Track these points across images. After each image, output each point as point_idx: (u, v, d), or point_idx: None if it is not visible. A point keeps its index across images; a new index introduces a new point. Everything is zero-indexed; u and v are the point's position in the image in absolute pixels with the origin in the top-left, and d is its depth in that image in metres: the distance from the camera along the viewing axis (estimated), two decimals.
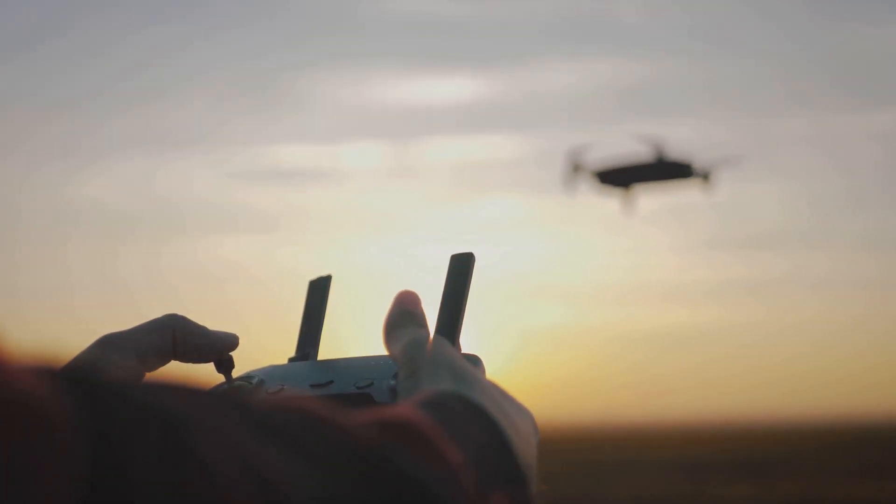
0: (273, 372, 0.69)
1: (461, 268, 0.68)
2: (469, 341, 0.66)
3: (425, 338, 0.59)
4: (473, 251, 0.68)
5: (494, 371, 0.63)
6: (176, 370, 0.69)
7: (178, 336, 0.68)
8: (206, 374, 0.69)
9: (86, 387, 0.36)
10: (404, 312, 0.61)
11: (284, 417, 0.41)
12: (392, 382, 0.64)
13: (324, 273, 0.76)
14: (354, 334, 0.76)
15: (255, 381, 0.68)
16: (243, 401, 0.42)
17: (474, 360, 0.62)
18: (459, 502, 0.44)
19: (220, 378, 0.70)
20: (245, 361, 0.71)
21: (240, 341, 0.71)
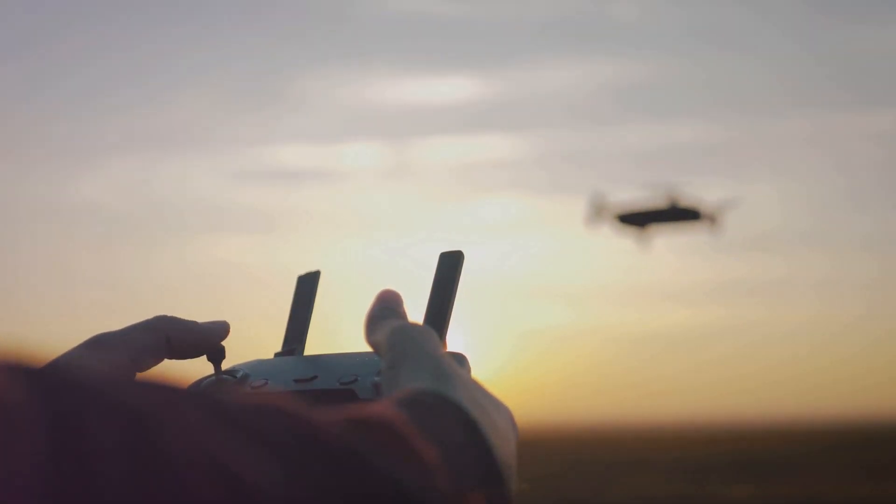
0: (258, 366, 0.69)
1: (450, 266, 0.68)
2: (469, 341, 0.66)
3: (410, 326, 0.58)
4: (472, 252, 0.68)
5: (495, 371, 0.63)
6: (168, 367, 0.69)
7: (173, 336, 0.68)
8: (192, 367, 0.69)
9: (50, 380, 0.36)
10: (386, 309, 0.60)
11: (255, 413, 0.41)
12: (376, 379, 0.64)
13: (312, 269, 0.76)
14: (344, 331, 0.76)
15: (239, 374, 0.68)
16: (213, 396, 0.41)
17: (460, 359, 0.62)
18: (434, 500, 0.44)
19: (205, 371, 0.70)
20: (233, 355, 0.70)
21: (230, 331, 0.71)
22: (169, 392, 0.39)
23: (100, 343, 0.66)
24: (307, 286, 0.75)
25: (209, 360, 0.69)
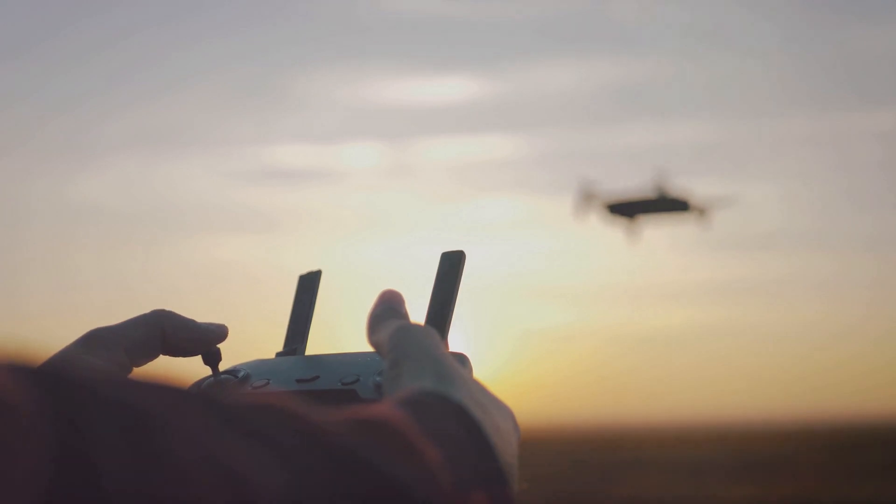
0: (259, 366, 0.69)
1: (451, 266, 0.68)
2: (469, 341, 0.66)
3: (412, 326, 0.58)
4: (471, 251, 0.68)
5: (495, 371, 0.63)
6: (164, 365, 0.69)
7: (168, 331, 0.68)
8: (193, 367, 0.69)
9: (54, 379, 0.36)
10: (388, 309, 0.60)
11: (257, 414, 0.41)
12: (378, 379, 0.64)
13: (314, 268, 0.76)
14: (344, 330, 0.76)
15: (241, 374, 0.68)
16: (215, 396, 0.41)
17: (461, 359, 0.62)
18: (436, 500, 0.44)
19: (206, 371, 0.70)
20: (234, 355, 0.71)
21: (229, 334, 0.71)
22: (171, 392, 0.39)
23: (95, 339, 0.66)
24: (308, 286, 0.75)
25: (205, 362, 0.69)
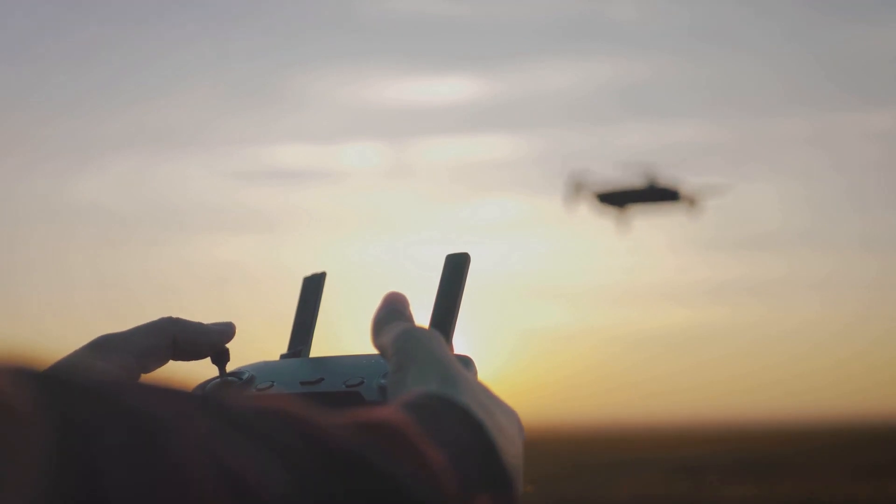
0: (264, 368, 0.69)
1: (456, 268, 0.68)
2: (469, 341, 0.66)
3: (417, 329, 0.58)
4: (471, 251, 0.68)
5: (495, 371, 0.63)
6: (169, 366, 0.69)
7: (180, 338, 0.68)
8: (197, 368, 0.70)
9: (55, 382, 0.36)
10: (393, 311, 0.60)
11: (261, 417, 0.41)
12: (382, 381, 0.64)
13: (318, 270, 0.76)
14: (349, 332, 0.76)
15: (245, 376, 0.68)
16: (219, 400, 0.42)
17: (466, 362, 0.62)
18: (439, 503, 0.44)
19: (210, 373, 0.70)
20: (238, 356, 0.71)
21: (236, 332, 0.71)
22: (175, 395, 0.39)
23: (104, 345, 0.66)
24: (313, 288, 0.75)
25: (213, 362, 0.70)
